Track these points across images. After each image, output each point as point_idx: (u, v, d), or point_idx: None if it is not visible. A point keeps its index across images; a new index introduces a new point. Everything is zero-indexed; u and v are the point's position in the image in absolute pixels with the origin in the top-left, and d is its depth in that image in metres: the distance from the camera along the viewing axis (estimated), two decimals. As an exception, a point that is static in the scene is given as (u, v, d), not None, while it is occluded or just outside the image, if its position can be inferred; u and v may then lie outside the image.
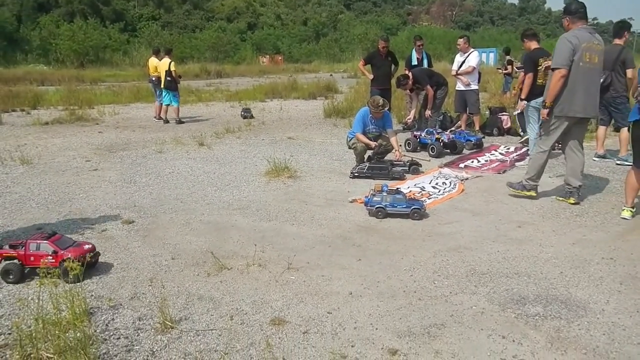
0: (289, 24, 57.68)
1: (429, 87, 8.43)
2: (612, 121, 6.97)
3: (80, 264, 2.90)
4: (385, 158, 6.53)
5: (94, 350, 2.49)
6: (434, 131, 7.61)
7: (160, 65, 10.88)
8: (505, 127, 8.89)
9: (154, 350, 2.54)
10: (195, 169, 6.52)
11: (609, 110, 6.74)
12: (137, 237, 4.11)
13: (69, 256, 3.15)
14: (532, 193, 5.04)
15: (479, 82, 9.01)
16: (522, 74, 8.15)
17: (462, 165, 6.59)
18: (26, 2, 44.25)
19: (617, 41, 6.63)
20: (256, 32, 51.93)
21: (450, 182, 5.69)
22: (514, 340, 2.59)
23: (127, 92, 15.93)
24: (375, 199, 4.59)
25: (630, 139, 4.45)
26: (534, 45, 6.58)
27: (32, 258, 3.26)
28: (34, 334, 2.46)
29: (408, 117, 9.17)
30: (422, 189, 5.49)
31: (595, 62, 4.68)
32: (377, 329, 2.72)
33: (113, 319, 2.83)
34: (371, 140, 6.39)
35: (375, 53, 9.15)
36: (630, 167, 4.56)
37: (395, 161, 6.24)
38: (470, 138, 7.69)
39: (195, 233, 4.22)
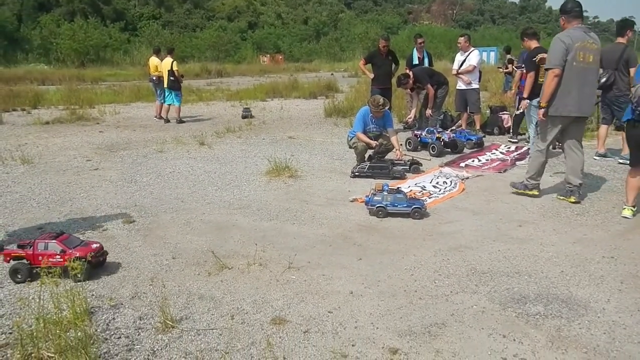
0: (290, 23, 57.67)
1: (429, 86, 8.42)
2: (614, 120, 6.96)
3: (82, 262, 2.94)
4: (386, 157, 6.52)
5: (94, 349, 2.50)
6: (435, 130, 7.61)
7: (162, 64, 10.89)
8: (505, 126, 8.88)
9: (155, 349, 2.55)
10: (196, 169, 6.52)
11: (612, 109, 6.72)
12: (137, 237, 4.12)
13: (77, 255, 3.19)
14: (535, 192, 5.05)
15: (479, 81, 9.00)
16: (519, 72, 8.19)
17: (462, 164, 6.59)
18: (27, 1, 44.29)
19: (619, 40, 6.59)
20: (257, 31, 51.91)
21: (450, 182, 5.68)
22: (514, 339, 2.59)
23: (127, 92, 15.94)
24: (376, 198, 4.59)
25: (625, 138, 4.46)
26: (534, 44, 6.56)
27: (40, 257, 3.28)
28: (34, 333, 2.46)
29: (409, 117, 9.16)
30: (423, 188, 5.49)
31: (589, 61, 4.69)
32: (377, 328, 2.72)
33: (114, 318, 2.84)
34: (372, 139, 6.39)
35: (375, 52, 9.14)
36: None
37: (396, 160, 6.24)
38: (470, 137, 7.69)
39: (196, 232, 4.22)
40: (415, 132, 7.88)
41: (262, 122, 10.80)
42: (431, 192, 5.32)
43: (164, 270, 3.47)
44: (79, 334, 2.49)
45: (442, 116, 9.06)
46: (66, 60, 31.19)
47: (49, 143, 8.38)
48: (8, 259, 3.37)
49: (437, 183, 5.65)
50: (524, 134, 8.15)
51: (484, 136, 8.16)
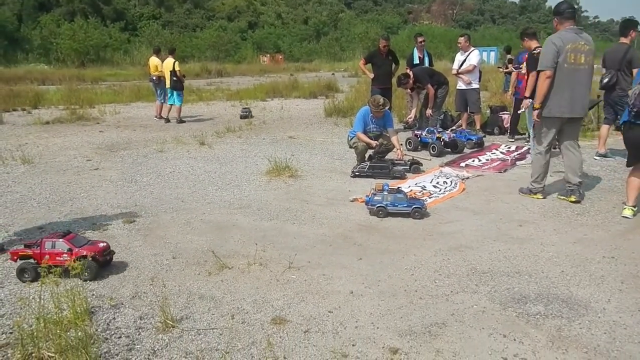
0: (290, 23, 57.64)
1: (429, 86, 8.42)
2: (616, 120, 6.95)
3: (90, 261, 2.97)
4: (386, 157, 6.52)
5: (95, 349, 2.50)
6: (435, 130, 7.61)
7: (164, 65, 10.91)
8: (506, 126, 8.86)
9: (155, 349, 2.55)
10: (196, 168, 6.52)
11: (616, 109, 6.70)
12: (138, 237, 4.12)
13: (84, 254, 3.20)
14: (539, 196, 5.08)
15: (479, 80, 8.99)
16: (515, 73, 8.21)
17: (463, 164, 6.59)
18: (27, 1, 44.27)
19: (623, 40, 6.57)
20: (257, 31, 51.90)
21: (451, 181, 5.68)
22: (515, 339, 2.59)
23: (127, 92, 15.95)
24: (376, 198, 4.59)
25: (623, 140, 4.49)
26: (534, 44, 6.56)
27: (47, 257, 3.28)
28: (35, 333, 2.46)
29: (409, 116, 9.16)
30: (423, 188, 5.49)
31: (581, 62, 4.72)
32: (378, 327, 2.72)
33: (114, 318, 2.84)
34: (372, 139, 6.39)
35: (376, 52, 9.15)
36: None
37: (396, 160, 6.24)
38: (471, 137, 7.69)
39: (196, 232, 4.22)
40: (416, 132, 7.88)
41: (262, 121, 10.80)
42: (431, 192, 5.32)
43: (164, 270, 3.47)
44: (79, 333, 2.49)
45: (442, 116, 9.06)
46: (66, 60, 31.21)
47: (49, 143, 8.39)
48: (15, 257, 3.38)
49: (438, 183, 5.65)
50: (524, 134, 8.15)
51: (484, 136, 8.16)
